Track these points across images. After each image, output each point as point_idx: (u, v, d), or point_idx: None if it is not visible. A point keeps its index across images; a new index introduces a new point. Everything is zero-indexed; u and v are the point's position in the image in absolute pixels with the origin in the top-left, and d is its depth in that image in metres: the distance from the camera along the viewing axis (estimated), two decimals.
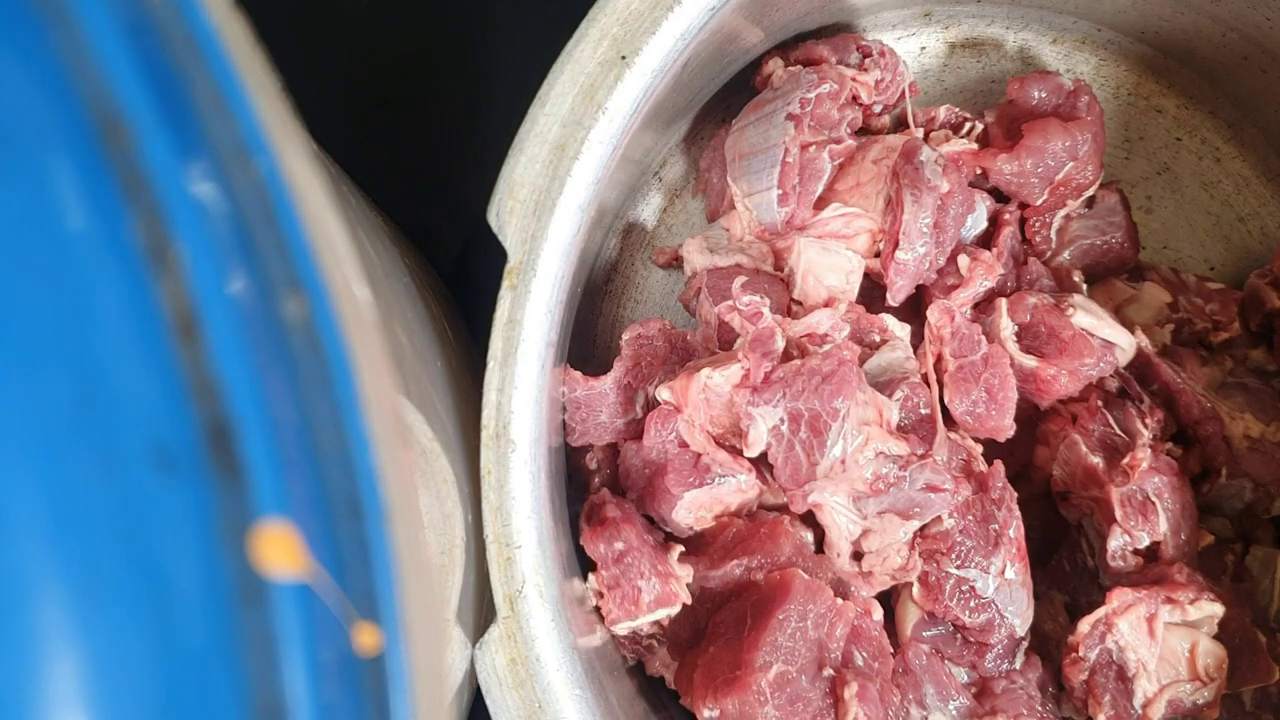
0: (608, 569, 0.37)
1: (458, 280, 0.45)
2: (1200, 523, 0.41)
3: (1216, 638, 0.39)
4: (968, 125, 0.45)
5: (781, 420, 0.36)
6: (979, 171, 0.43)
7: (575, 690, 0.35)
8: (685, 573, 0.38)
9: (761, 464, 0.39)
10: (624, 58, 0.34)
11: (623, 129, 0.35)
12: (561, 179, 0.34)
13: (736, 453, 0.38)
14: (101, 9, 0.14)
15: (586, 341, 0.44)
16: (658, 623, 0.39)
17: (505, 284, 0.35)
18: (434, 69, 0.48)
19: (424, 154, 0.48)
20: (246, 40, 0.16)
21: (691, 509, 0.38)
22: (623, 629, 0.38)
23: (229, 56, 0.15)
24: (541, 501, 0.35)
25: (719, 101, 0.43)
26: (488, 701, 0.35)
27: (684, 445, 0.38)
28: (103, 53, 0.14)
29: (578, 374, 0.39)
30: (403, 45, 0.48)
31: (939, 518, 0.38)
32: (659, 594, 0.37)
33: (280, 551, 0.16)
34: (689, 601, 0.38)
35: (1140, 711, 0.38)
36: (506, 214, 0.34)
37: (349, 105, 0.47)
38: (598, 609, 0.38)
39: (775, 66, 0.42)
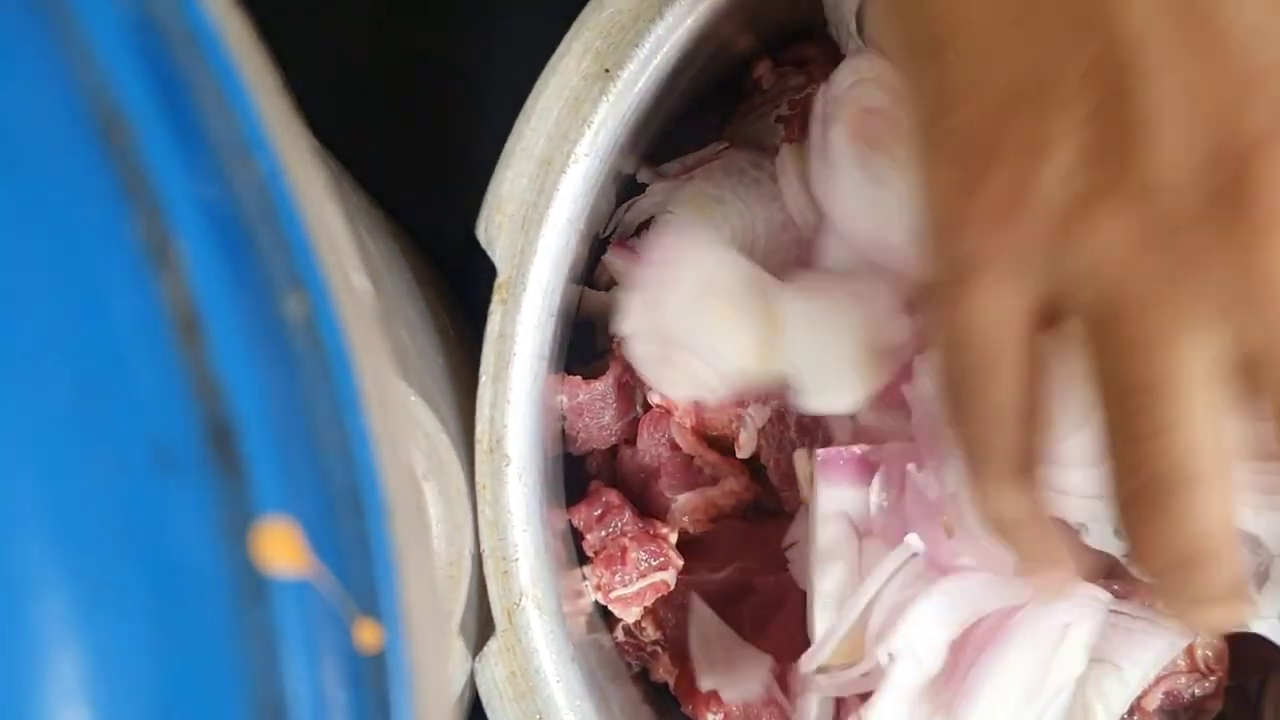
0: (592, 531, 0.37)
1: (459, 279, 0.44)
2: None
3: None
4: None
5: (771, 420, 0.36)
6: None
7: (577, 701, 0.34)
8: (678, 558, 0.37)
9: (755, 465, 0.39)
10: (608, 70, 0.34)
11: (609, 142, 0.35)
12: (549, 193, 0.35)
13: (729, 454, 0.38)
14: (102, 5, 0.15)
15: (586, 350, 0.44)
16: (659, 625, 0.38)
17: (495, 298, 0.35)
18: (436, 64, 0.47)
19: (426, 151, 0.47)
20: (247, 37, 0.16)
21: (686, 512, 0.38)
22: (616, 601, 0.37)
23: (230, 53, 0.16)
24: (538, 514, 0.35)
25: (711, 106, 0.43)
26: (489, 714, 0.34)
27: (676, 448, 0.38)
28: (103, 50, 0.15)
29: (576, 378, 0.39)
30: (404, 40, 0.48)
31: None
32: (648, 557, 0.36)
33: (281, 548, 0.16)
34: (680, 564, 0.37)
35: (1137, 704, 0.38)
36: (495, 229, 0.35)
37: (350, 101, 0.46)
38: (599, 605, 0.38)
39: (765, 69, 0.42)
